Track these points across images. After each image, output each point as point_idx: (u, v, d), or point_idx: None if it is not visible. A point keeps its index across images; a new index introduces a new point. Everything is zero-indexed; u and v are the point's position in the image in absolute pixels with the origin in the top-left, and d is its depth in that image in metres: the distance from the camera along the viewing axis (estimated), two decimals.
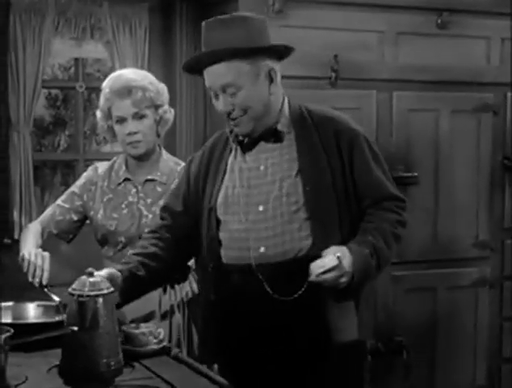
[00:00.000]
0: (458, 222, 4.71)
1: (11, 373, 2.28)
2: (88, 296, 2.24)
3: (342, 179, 2.61)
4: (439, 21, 4.60)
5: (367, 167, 2.65)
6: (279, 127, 2.64)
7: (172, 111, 3.29)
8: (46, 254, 2.93)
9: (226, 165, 2.70)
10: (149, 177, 3.22)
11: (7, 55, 4.24)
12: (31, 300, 3.05)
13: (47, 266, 2.89)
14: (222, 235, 2.66)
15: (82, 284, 2.27)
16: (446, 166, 4.68)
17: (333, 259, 2.46)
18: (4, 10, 4.20)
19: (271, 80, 2.59)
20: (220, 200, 2.67)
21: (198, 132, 4.59)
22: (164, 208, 2.84)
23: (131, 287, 2.63)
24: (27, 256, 2.89)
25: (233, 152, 2.70)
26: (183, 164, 3.28)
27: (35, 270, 2.86)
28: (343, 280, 2.48)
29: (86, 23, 4.38)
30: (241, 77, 2.54)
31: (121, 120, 3.15)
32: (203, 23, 2.59)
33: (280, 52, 2.62)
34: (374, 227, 2.60)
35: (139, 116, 3.15)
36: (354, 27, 4.41)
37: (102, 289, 2.27)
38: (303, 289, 2.52)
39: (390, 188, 2.68)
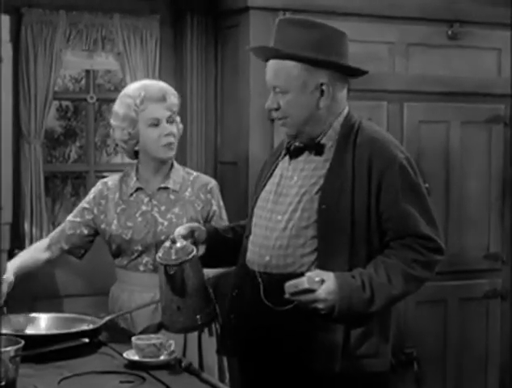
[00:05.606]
0: (469, 234, 4.69)
1: (22, 384, 2.29)
2: (174, 265, 2.51)
3: (365, 207, 2.53)
4: (450, 32, 4.60)
5: (393, 198, 2.53)
6: (323, 140, 2.62)
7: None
8: (7, 277, 3.05)
9: (275, 169, 2.73)
10: (162, 185, 3.24)
11: (18, 66, 4.24)
12: (42, 311, 3.07)
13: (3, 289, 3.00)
14: (250, 237, 2.71)
15: (168, 254, 2.53)
16: (457, 177, 4.66)
17: (303, 282, 2.44)
18: (15, 21, 4.21)
19: (322, 93, 2.58)
20: (258, 202, 2.71)
21: (208, 144, 4.59)
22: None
23: (214, 244, 2.77)
24: None
25: (283, 158, 2.73)
26: (195, 173, 3.33)
27: None
28: (319, 305, 2.47)
29: (97, 35, 4.38)
30: (289, 81, 2.55)
31: (156, 123, 3.18)
32: (278, 19, 2.62)
33: (350, 70, 2.65)
34: (382, 261, 2.52)
35: (171, 121, 3.22)
36: (364, 39, 4.39)
37: (188, 254, 2.53)
38: (294, 303, 2.50)
39: (418, 225, 2.53)
